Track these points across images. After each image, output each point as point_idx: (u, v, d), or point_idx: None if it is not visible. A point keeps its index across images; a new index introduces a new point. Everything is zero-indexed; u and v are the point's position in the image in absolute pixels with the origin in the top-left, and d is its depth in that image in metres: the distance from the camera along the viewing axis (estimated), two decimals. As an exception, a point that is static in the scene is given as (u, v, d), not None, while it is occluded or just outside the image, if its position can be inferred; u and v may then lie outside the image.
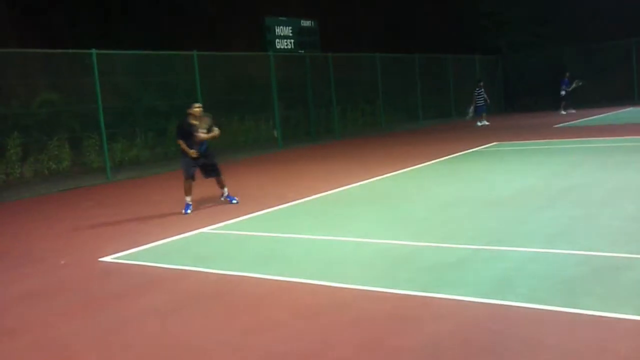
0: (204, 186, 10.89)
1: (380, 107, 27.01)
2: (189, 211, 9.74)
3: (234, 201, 10.28)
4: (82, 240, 8.52)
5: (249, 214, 9.25)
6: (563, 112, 27.54)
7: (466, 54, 32.39)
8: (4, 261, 7.65)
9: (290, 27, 22.91)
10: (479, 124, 25.13)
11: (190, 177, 9.89)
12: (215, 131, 10.02)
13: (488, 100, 25.86)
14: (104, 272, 6.71)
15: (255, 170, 15.76)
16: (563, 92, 27.33)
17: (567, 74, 27.43)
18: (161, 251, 7.42)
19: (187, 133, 9.84)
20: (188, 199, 9.84)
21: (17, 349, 4.66)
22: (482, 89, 25.60)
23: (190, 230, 8.31)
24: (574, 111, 27.48)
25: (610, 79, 30.53)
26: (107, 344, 4.61)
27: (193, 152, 9.81)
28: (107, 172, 15.64)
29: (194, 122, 9.87)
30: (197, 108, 9.91)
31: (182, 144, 9.85)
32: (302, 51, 23.46)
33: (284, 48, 22.60)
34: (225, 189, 10.41)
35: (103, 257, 7.24)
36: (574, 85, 26.39)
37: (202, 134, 9.86)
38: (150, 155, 18.84)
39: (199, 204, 10.37)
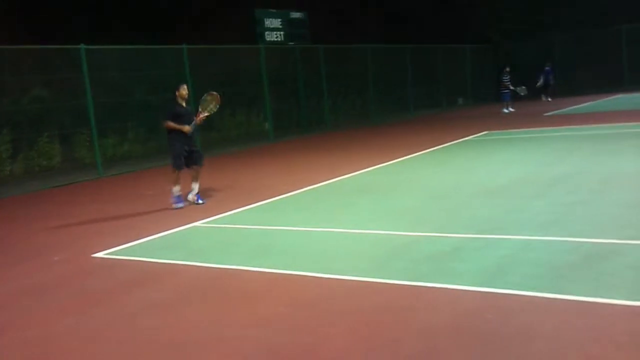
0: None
1: (371, 98, 27.00)
2: (180, 205, 9.57)
3: (201, 202, 9.84)
4: (74, 236, 8.50)
5: (242, 207, 9.24)
6: (549, 99, 28.07)
7: (457, 44, 32.39)
8: (-4, 259, 7.62)
9: (280, 19, 22.84)
10: (505, 110, 24.65)
11: (179, 167, 9.65)
12: (205, 108, 9.81)
13: (514, 88, 25.35)
14: (97, 268, 6.69)
15: (247, 163, 15.74)
16: (541, 82, 27.79)
17: (550, 64, 27.77)
18: (155, 246, 7.41)
19: (177, 115, 9.63)
20: (177, 189, 9.61)
21: (10, 346, 4.65)
22: (509, 76, 24.89)
23: (184, 225, 8.29)
24: (550, 99, 27.82)
25: (600, 66, 30.60)
26: (102, 339, 4.61)
27: (187, 128, 9.53)
28: (98, 167, 15.58)
29: (182, 103, 9.72)
30: (184, 90, 9.69)
31: (171, 124, 9.56)
32: (293, 43, 23.41)
33: (274, 40, 22.55)
34: (197, 185, 9.97)
35: (96, 252, 7.23)
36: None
37: (201, 115, 9.71)
38: (142, 150, 18.78)
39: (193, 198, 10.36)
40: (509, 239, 6.17)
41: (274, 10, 22.83)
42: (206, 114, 9.84)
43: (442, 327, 4.21)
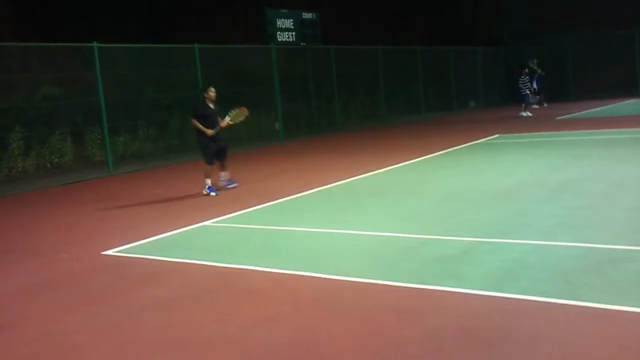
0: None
1: (382, 99, 26.97)
2: (213, 193, 10.43)
3: (233, 185, 10.95)
4: (84, 234, 8.54)
5: (251, 207, 9.26)
6: (545, 105, 27.48)
7: (468, 46, 32.29)
8: (6, 255, 7.67)
9: (291, 20, 22.85)
10: (522, 114, 24.24)
11: (212, 163, 10.57)
12: (231, 118, 10.72)
13: (534, 89, 25.00)
14: (106, 266, 6.72)
15: (257, 162, 15.76)
16: (535, 87, 26.61)
17: (540, 71, 27.13)
18: (164, 244, 7.43)
19: (203, 116, 10.48)
20: (209, 181, 10.50)
21: (19, 342, 4.68)
22: (527, 77, 24.59)
23: (193, 224, 8.32)
24: (537, 106, 27.05)
25: (612, 70, 30.40)
26: (110, 337, 4.63)
27: (210, 132, 10.40)
28: (109, 165, 15.65)
29: (210, 104, 10.56)
30: (212, 92, 10.55)
31: (197, 124, 10.47)
32: (304, 44, 23.42)
33: (285, 41, 22.56)
34: (225, 173, 11.00)
35: (105, 250, 7.26)
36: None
37: (224, 123, 10.56)
38: (152, 149, 18.84)
39: (202, 198, 10.40)
40: (518, 243, 6.14)
41: (286, 11, 22.85)
42: (231, 123, 10.72)
43: (448, 329, 4.20)
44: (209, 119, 10.48)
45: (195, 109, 10.78)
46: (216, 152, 10.68)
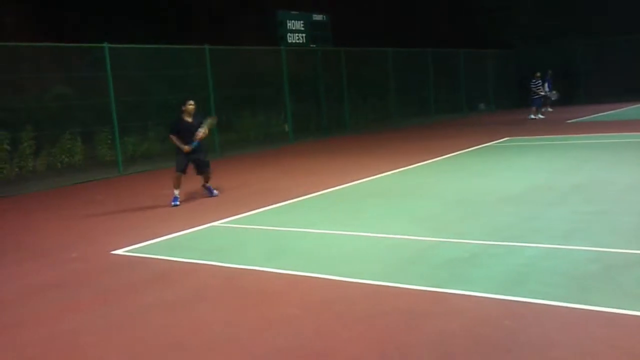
0: (214, 179, 10.90)
1: (391, 101, 26.92)
2: (177, 203, 10.00)
3: (215, 193, 10.58)
4: (93, 233, 8.56)
5: (260, 207, 9.25)
6: (549, 110, 26.62)
7: (478, 48, 32.20)
8: (16, 254, 7.69)
9: (302, 22, 22.88)
10: (532, 116, 24.14)
11: (181, 171, 10.18)
12: (206, 127, 10.28)
13: (545, 92, 24.66)
14: (114, 266, 6.73)
15: (266, 164, 15.76)
16: (547, 90, 25.53)
17: (550, 72, 26.67)
18: (173, 244, 7.44)
19: (181, 129, 10.16)
20: (177, 192, 10.09)
21: (29, 341, 4.69)
22: (539, 80, 24.33)
23: (202, 224, 8.32)
24: (550, 109, 26.61)
25: (623, 73, 30.21)
26: (118, 336, 4.63)
27: (186, 148, 10.10)
28: (118, 165, 15.71)
29: (188, 119, 10.19)
30: (190, 105, 10.16)
31: (174, 139, 10.19)
32: (314, 45, 23.43)
33: (295, 42, 22.58)
34: (208, 184, 10.65)
35: (114, 250, 7.27)
36: (549, 94, 25.38)
37: (201, 133, 10.14)
38: (162, 149, 18.87)
39: (210, 198, 10.40)
40: (528, 246, 6.10)
41: (296, 13, 22.87)
42: (206, 132, 10.30)
43: (458, 333, 4.17)
44: (186, 134, 10.08)
45: (171, 124, 10.39)
46: (195, 167, 10.36)
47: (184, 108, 10.17)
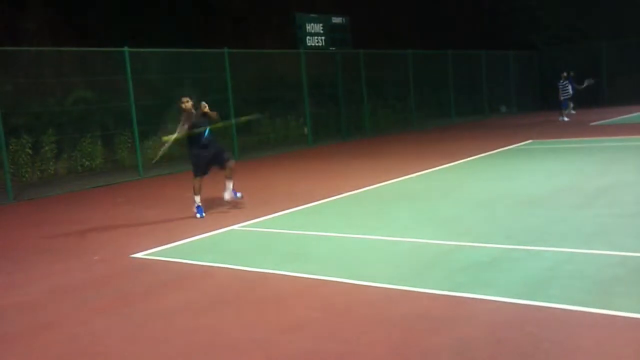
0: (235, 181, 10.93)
1: (411, 104, 26.80)
2: (202, 214, 9.18)
3: (238, 195, 9.63)
4: (114, 236, 8.60)
5: (278, 211, 9.23)
6: (573, 112, 25.60)
7: (500, 50, 31.93)
8: (40, 256, 7.76)
9: (321, 24, 22.88)
10: (561, 118, 23.90)
11: (199, 175, 9.30)
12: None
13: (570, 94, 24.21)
14: (135, 269, 6.75)
15: (285, 167, 15.76)
16: (571, 92, 24.60)
17: (572, 73, 25.92)
18: (192, 248, 7.45)
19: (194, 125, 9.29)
20: (197, 198, 9.23)
21: (54, 342, 4.73)
22: (567, 81, 23.99)
23: (221, 228, 8.32)
24: (574, 112, 25.69)
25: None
26: (139, 338, 4.63)
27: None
28: (139, 169, 15.79)
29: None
30: (187, 103, 9.37)
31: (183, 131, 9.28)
32: (333, 48, 23.41)
33: (314, 45, 22.58)
34: (230, 183, 9.54)
35: (135, 253, 7.30)
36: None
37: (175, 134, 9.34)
38: (182, 153, 18.93)
39: (229, 202, 10.40)
40: (551, 250, 6.01)
41: (315, 15, 22.87)
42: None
43: (479, 338, 4.11)
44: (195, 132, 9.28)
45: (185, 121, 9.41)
46: (216, 163, 9.43)
47: (183, 107, 9.31)
